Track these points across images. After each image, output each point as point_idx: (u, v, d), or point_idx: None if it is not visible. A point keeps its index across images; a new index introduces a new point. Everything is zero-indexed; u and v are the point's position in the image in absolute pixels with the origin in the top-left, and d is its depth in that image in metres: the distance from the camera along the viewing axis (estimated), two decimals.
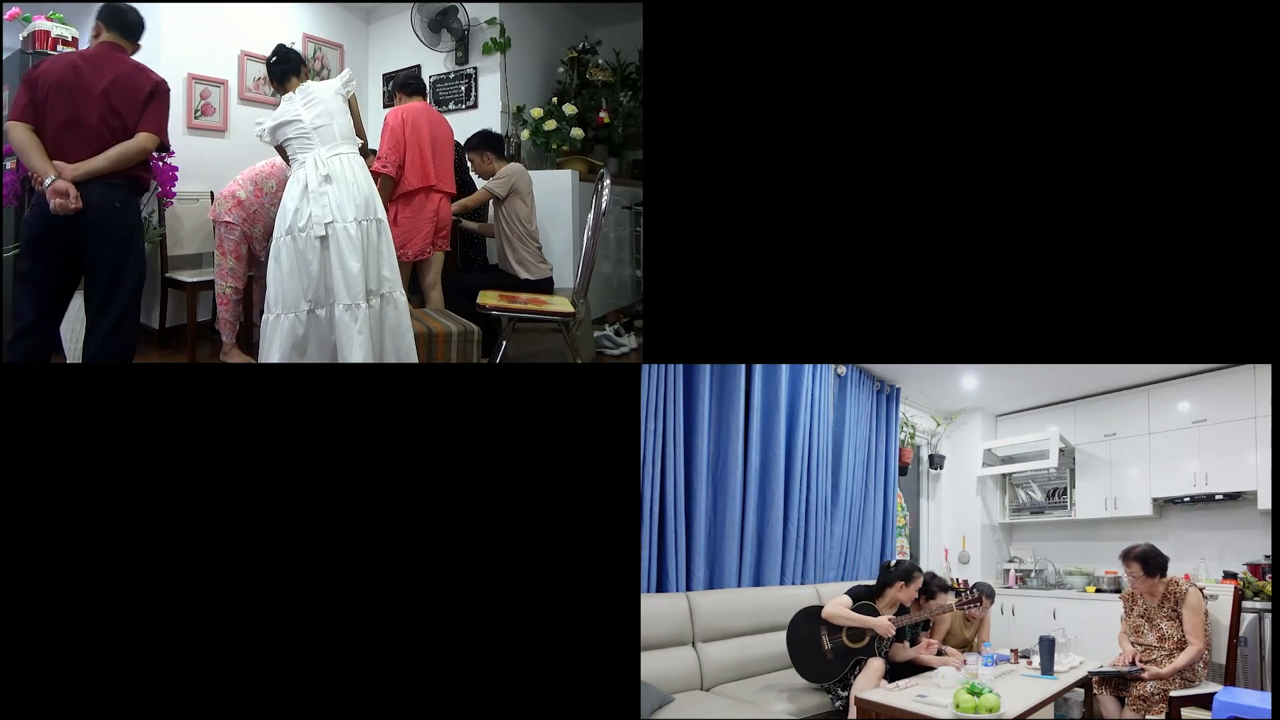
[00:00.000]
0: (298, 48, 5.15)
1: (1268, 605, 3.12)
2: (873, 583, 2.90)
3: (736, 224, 2.27)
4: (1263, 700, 2.24)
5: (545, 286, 4.25)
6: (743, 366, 3.34)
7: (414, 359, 3.19)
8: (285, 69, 3.18)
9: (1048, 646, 2.73)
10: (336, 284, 2.96)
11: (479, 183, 4.37)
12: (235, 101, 4.80)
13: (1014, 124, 2.25)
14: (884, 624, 2.68)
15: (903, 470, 4.74)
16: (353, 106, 3.22)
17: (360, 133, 3.26)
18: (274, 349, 3.00)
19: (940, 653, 2.88)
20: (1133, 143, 2.23)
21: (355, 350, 2.96)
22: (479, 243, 4.83)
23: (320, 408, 2.22)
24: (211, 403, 2.20)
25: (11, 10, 3.95)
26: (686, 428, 3.07)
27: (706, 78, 2.28)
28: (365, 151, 3.30)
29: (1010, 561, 4.90)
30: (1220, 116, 2.22)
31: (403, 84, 4.25)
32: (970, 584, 3.60)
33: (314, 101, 3.09)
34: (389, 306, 3.10)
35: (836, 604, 2.77)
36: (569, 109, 5.23)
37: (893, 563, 2.94)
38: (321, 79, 5.26)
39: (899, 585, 2.81)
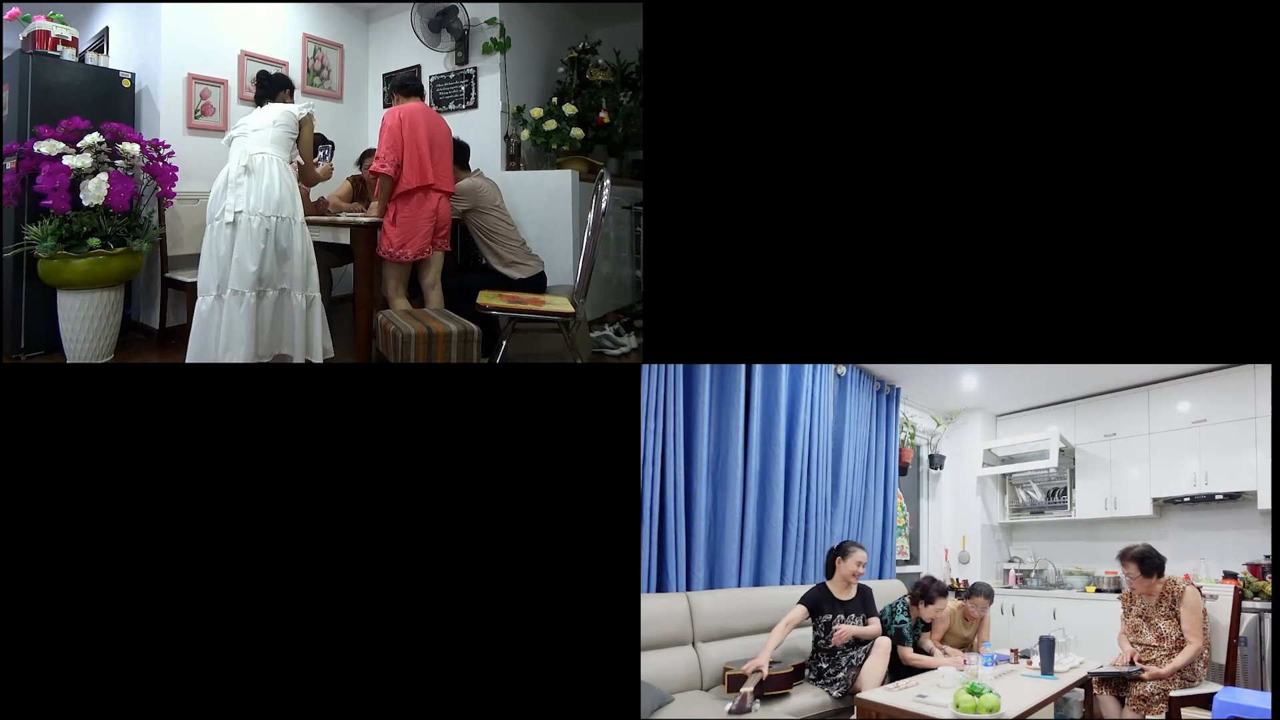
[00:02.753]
0: (297, 48, 5.17)
1: (1268, 605, 3.12)
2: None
3: (736, 224, 2.27)
4: (1263, 700, 2.24)
5: (539, 281, 4.25)
6: (743, 366, 3.33)
7: (316, 356, 3.41)
8: (261, 94, 3.64)
9: (1048, 646, 2.73)
10: (230, 271, 3.22)
11: None
12: (235, 101, 4.79)
13: (1013, 125, 2.25)
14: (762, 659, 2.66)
15: (903, 470, 4.74)
16: (304, 127, 3.58)
17: (305, 154, 3.62)
18: (193, 334, 3.24)
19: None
20: (1132, 143, 2.23)
21: (236, 339, 3.18)
22: None
23: (321, 408, 2.22)
24: (211, 403, 2.20)
25: (11, 10, 3.95)
26: (686, 428, 3.07)
27: (706, 78, 2.28)
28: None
29: (1010, 561, 4.90)
30: (1220, 116, 2.22)
31: (400, 85, 4.25)
32: (969, 583, 3.61)
33: (266, 113, 3.49)
34: (286, 300, 3.34)
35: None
36: (569, 109, 5.22)
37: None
38: (322, 78, 5.31)
39: (837, 559, 2.94)
